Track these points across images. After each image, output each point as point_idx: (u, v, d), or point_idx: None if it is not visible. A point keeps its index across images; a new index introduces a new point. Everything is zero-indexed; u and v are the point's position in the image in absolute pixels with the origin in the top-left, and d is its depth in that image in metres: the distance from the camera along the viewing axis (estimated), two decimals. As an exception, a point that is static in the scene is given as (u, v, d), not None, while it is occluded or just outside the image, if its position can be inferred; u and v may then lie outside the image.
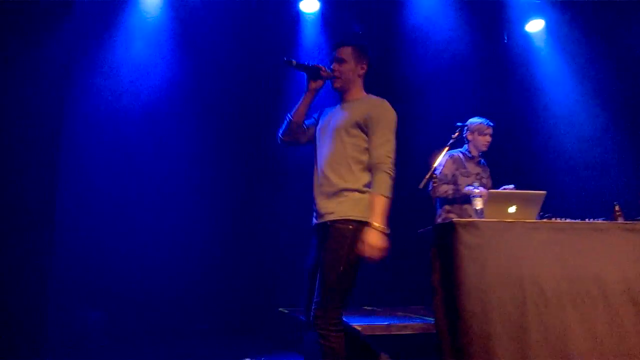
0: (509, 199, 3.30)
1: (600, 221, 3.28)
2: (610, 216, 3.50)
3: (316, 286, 2.73)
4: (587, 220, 3.26)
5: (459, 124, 4.14)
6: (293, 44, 6.32)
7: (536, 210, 3.32)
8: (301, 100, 3.00)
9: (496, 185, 4.21)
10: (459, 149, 4.38)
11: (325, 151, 2.91)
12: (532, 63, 6.75)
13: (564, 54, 6.61)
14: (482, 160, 4.44)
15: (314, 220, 2.95)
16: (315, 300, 2.70)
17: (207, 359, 4.62)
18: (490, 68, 6.58)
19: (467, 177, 4.22)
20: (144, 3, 5.60)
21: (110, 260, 5.47)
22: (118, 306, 5.37)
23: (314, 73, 2.94)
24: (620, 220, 3.44)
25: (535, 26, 6.61)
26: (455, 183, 4.20)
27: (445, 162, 4.26)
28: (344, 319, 2.72)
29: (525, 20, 6.56)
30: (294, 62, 2.89)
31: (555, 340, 2.88)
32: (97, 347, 5.02)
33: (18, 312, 4.12)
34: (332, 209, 2.80)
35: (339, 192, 2.81)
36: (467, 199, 3.84)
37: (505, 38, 6.65)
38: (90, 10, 5.20)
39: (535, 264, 2.98)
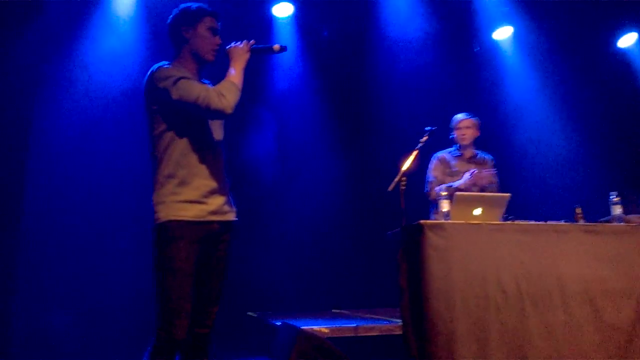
0: (475, 201, 3.37)
1: (561, 223, 3.37)
2: (571, 218, 3.59)
3: (211, 291, 2.46)
4: (549, 222, 3.35)
5: (427, 128, 4.15)
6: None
7: (501, 212, 3.39)
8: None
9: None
10: (448, 149, 4.41)
11: (220, 138, 2.59)
12: (500, 69, 6.89)
13: (531, 60, 6.76)
14: (479, 155, 4.41)
15: (212, 217, 2.42)
16: (212, 308, 2.48)
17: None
18: (459, 73, 6.68)
19: (453, 176, 4.24)
20: (116, 3, 5.55)
21: (78, 262, 5.38)
22: (85, 310, 5.29)
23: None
24: (582, 222, 3.53)
25: (503, 33, 6.74)
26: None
27: (433, 166, 4.33)
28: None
29: (494, 27, 6.68)
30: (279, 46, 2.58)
31: (514, 340, 2.95)
32: (63, 352, 4.94)
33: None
34: (233, 206, 2.57)
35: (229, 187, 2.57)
36: None
37: (477, 47, 6.76)
38: (61, 10, 5.13)
39: (498, 264, 3.05)
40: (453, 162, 4.33)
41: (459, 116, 4.36)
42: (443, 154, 4.39)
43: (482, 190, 4.15)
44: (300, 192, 6.42)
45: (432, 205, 4.32)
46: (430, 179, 4.30)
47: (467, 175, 4.12)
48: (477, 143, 4.44)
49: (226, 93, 2.36)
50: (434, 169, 4.32)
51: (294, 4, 6.16)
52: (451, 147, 4.43)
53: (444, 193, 3.57)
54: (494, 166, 4.37)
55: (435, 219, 4.16)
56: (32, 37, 4.45)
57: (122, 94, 5.34)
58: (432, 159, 4.38)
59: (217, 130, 2.56)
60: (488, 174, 4.16)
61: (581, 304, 3.10)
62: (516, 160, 6.61)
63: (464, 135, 4.29)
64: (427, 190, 4.31)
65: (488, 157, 4.44)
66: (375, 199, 5.97)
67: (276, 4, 6.14)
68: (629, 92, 6.61)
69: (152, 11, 5.46)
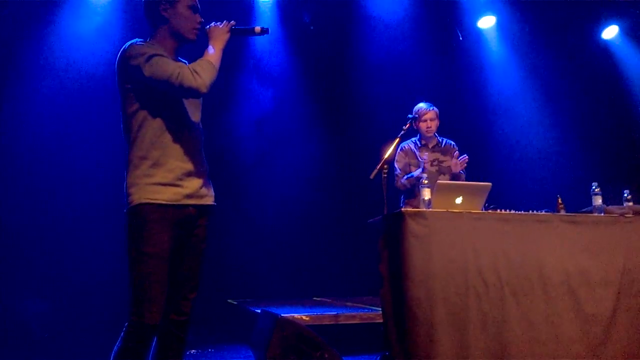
0: (456, 190, 3.35)
1: (543, 213, 3.37)
2: (553, 208, 3.60)
3: (188, 277, 2.39)
4: (530, 211, 3.35)
5: (409, 115, 4.16)
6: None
7: (482, 201, 3.38)
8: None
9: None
10: (412, 139, 4.39)
11: (197, 120, 2.49)
12: (483, 58, 6.88)
13: (513, 49, 6.77)
14: (444, 142, 4.38)
15: (187, 201, 2.33)
16: (190, 295, 2.40)
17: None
18: (442, 60, 6.67)
19: (418, 167, 4.22)
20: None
21: (54, 249, 5.29)
22: (61, 297, 5.20)
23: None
24: (562, 212, 3.53)
25: (487, 22, 6.72)
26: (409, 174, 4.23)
27: (397, 156, 4.31)
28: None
29: (478, 16, 6.67)
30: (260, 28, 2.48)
31: (493, 329, 2.95)
32: (39, 340, 4.86)
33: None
34: (211, 191, 2.49)
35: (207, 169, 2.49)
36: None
37: (460, 36, 6.73)
38: (28, 5, 5.02)
39: (479, 253, 3.04)
40: (418, 152, 4.32)
41: (422, 107, 4.30)
42: (408, 144, 4.37)
43: (454, 177, 4.17)
44: (282, 178, 6.38)
45: (401, 195, 4.35)
46: (396, 172, 4.29)
47: (422, 164, 4.15)
48: (441, 130, 4.42)
49: (201, 71, 2.27)
50: (399, 160, 4.32)
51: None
52: (415, 136, 4.40)
53: (425, 182, 3.54)
54: (458, 152, 4.30)
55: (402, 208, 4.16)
56: (1, 16, 4.31)
57: (96, 74, 5.23)
58: (397, 150, 4.32)
59: (195, 110, 2.47)
60: (458, 161, 4.13)
61: (561, 294, 3.11)
62: (498, 150, 6.63)
63: (429, 127, 4.27)
64: (394, 183, 4.30)
65: (450, 142, 4.41)
66: (357, 186, 5.95)
67: (259, -14, 6.07)
68: (611, 84, 6.65)
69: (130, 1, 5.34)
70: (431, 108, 4.29)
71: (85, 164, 5.39)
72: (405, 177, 4.22)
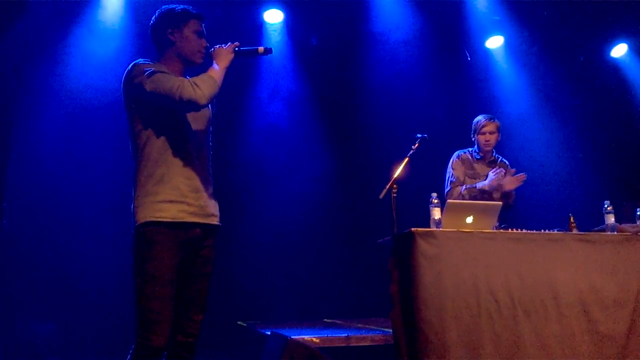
0: (467, 209, 3.32)
1: (555, 232, 3.33)
2: (565, 227, 3.56)
3: (195, 298, 2.37)
4: (542, 230, 3.31)
5: (418, 135, 4.08)
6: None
7: (493, 220, 3.35)
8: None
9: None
10: (469, 149, 4.25)
11: (205, 137, 2.51)
12: (492, 78, 6.88)
13: (522, 69, 6.76)
14: (500, 159, 4.26)
15: (193, 218, 2.34)
16: (197, 316, 2.39)
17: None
18: (451, 81, 6.67)
19: (473, 178, 4.12)
20: (103, 6, 5.49)
21: (62, 268, 5.28)
22: (69, 318, 5.18)
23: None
24: (575, 231, 3.49)
25: (494, 42, 6.74)
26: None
27: (454, 164, 4.18)
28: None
29: (486, 36, 6.69)
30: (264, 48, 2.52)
31: (506, 350, 2.90)
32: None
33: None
34: (217, 210, 2.49)
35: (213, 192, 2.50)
36: (484, 196, 3.81)
37: (468, 56, 6.75)
38: (47, 11, 5.08)
39: (490, 273, 3.00)
40: (475, 164, 4.18)
41: (482, 120, 4.15)
42: (466, 152, 4.23)
43: (505, 195, 4.01)
44: (291, 198, 6.36)
45: None
46: (452, 179, 4.13)
47: (491, 175, 3.96)
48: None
49: (201, 84, 2.30)
50: (456, 168, 4.15)
51: (283, 11, 6.15)
52: (472, 147, 4.26)
53: (465, 192, 3.46)
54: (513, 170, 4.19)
55: None
56: (15, 38, 4.37)
57: (107, 97, 5.27)
58: (453, 157, 4.20)
59: (201, 127, 2.49)
60: (515, 178, 4.00)
61: (575, 314, 3.06)
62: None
63: (488, 141, 4.10)
64: (448, 190, 4.13)
65: (505, 161, 4.29)
66: (366, 206, 5.92)
67: (267, 9, 6.13)
68: (621, 102, 6.62)
69: (140, 15, 5.40)
70: (492, 120, 4.14)
71: (98, 185, 5.41)
72: (464, 187, 4.07)
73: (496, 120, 4.18)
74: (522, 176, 4.00)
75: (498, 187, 3.99)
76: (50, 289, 5.23)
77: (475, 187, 4.02)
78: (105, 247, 5.27)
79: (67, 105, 5.46)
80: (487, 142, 4.12)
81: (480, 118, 4.19)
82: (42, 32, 5.17)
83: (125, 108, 2.39)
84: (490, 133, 4.11)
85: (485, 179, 4.05)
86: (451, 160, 4.16)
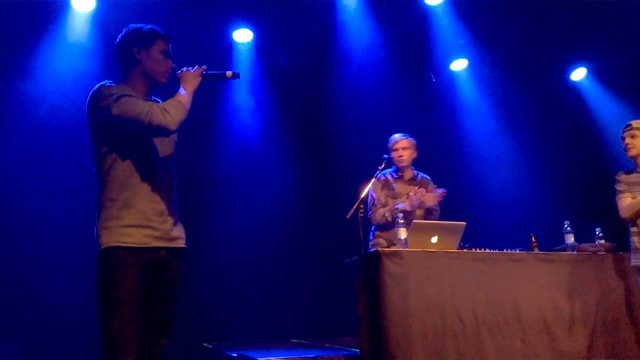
0: (432, 229, 3.38)
1: (517, 251, 3.40)
2: (527, 247, 3.63)
3: (159, 322, 2.34)
4: (505, 250, 3.38)
5: (385, 156, 4.10)
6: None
7: (457, 240, 3.40)
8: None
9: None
10: (388, 169, 4.26)
11: (170, 160, 2.48)
12: (456, 99, 7.03)
13: (485, 91, 6.93)
14: (419, 176, 4.29)
15: (158, 243, 2.30)
16: (161, 340, 2.35)
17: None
18: (416, 102, 6.78)
19: (394, 198, 4.12)
20: (70, 23, 5.43)
21: (24, 292, 5.13)
22: (31, 339, 5.03)
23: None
24: (536, 250, 3.57)
25: (459, 65, 6.89)
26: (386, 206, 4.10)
27: (374, 187, 4.15)
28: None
29: (450, 59, 6.83)
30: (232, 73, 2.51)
31: (472, 368, 2.94)
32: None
33: None
34: (182, 233, 2.46)
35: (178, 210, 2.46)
36: (407, 216, 3.76)
37: (433, 78, 6.88)
38: (12, 26, 5.02)
39: (455, 292, 3.05)
40: (395, 184, 4.21)
41: (396, 136, 4.22)
42: (385, 175, 4.25)
43: (428, 211, 4.06)
44: (258, 218, 6.32)
45: (372, 228, 4.19)
46: (374, 202, 4.15)
47: (411, 196, 3.96)
48: (416, 164, 4.34)
49: (170, 109, 2.28)
50: (376, 191, 4.16)
51: (253, 31, 6.18)
52: (390, 167, 4.29)
53: (402, 221, 3.52)
54: (434, 186, 4.24)
55: (374, 244, 4.07)
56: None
57: (72, 116, 5.18)
58: (373, 180, 4.08)
59: (167, 150, 2.47)
60: (435, 194, 4.05)
61: (537, 332, 3.13)
62: (471, 190, 6.70)
63: (401, 156, 4.16)
64: (370, 213, 4.13)
65: (426, 177, 4.33)
66: (333, 226, 5.93)
67: (236, 29, 6.15)
68: (581, 124, 6.83)
69: (106, 33, 5.35)
70: (404, 137, 4.20)
71: (61, 205, 5.29)
72: (385, 209, 4.06)
73: (409, 137, 4.24)
74: (442, 192, 4.05)
75: (420, 205, 4.01)
76: (13, 313, 5.07)
77: (397, 208, 4.00)
78: (67, 269, 5.15)
79: (29, 122, 5.35)
80: (400, 158, 4.17)
81: (394, 135, 4.25)
82: (8, 46, 5.09)
83: (90, 130, 2.35)
84: (403, 149, 4.17)
85: (405, 198, 4.07)
86: (370, 183, 4.12)
